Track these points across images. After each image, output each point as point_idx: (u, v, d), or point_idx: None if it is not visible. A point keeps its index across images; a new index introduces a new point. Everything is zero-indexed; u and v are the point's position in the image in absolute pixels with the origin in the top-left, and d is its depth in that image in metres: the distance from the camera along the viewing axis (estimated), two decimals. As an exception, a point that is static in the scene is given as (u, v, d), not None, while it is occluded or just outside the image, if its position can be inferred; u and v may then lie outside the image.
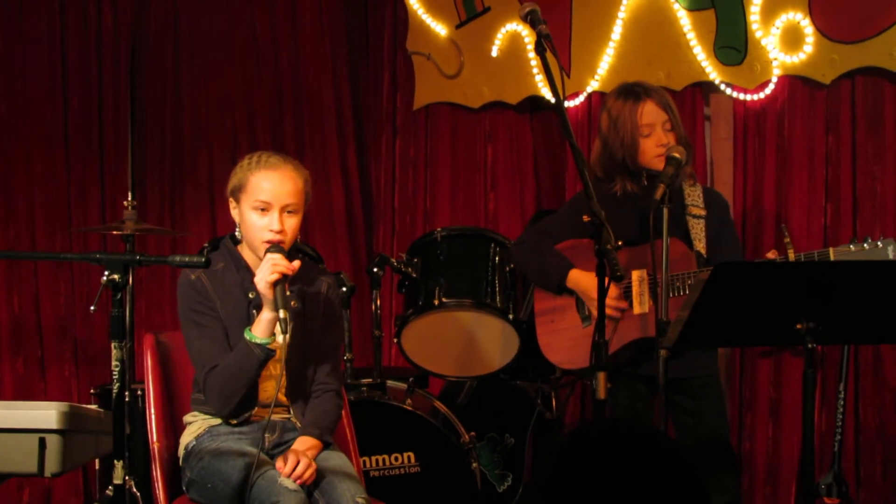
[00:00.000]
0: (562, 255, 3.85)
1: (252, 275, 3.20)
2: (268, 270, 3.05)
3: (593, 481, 1.83)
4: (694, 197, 3.79)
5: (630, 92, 3.79)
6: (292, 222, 3.21)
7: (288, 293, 3.12)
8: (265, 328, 3.11)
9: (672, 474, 1.84)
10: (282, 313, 2.98)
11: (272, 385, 3.24)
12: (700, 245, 3.73)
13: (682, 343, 2.98)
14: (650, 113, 3.75)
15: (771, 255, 3.60)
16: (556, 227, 3.96)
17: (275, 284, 3.04)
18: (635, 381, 3.79)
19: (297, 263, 3.14)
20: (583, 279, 3.76)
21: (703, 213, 3.77)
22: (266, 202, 3.18)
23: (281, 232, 3.17)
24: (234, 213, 3.28)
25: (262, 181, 3.19)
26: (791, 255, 3.49)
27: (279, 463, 3.05)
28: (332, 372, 3.37)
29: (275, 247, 3.13)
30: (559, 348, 3.90)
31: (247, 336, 3.12)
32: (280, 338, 3.07)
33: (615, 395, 3.77)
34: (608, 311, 3.52)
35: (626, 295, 3.74)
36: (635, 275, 3.72)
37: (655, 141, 3.74)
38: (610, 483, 1.82)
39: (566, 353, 3.87)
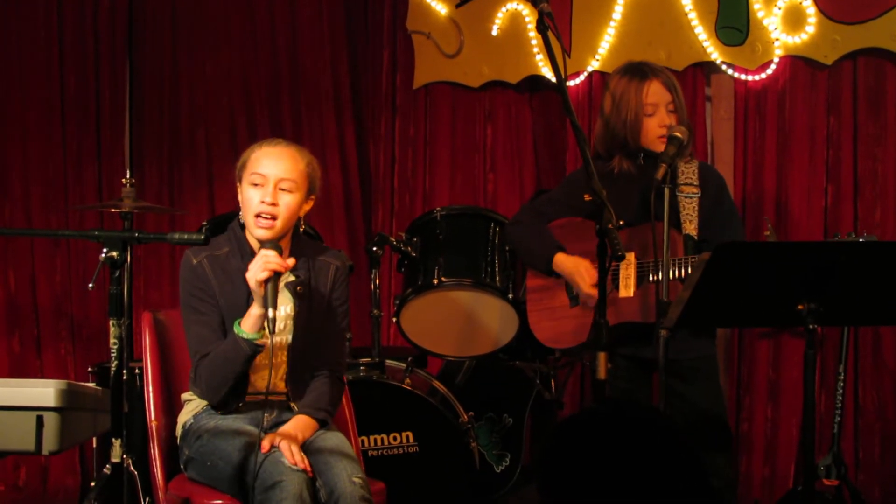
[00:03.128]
0: (551, 236, 3.82)
1: None
2: (259, 267, 2.98)
3: (588, 464, 1.81)
4: (689, 174, 3.73)
5: (637, 70, 3.74)
6: (287, 199, 3.16)
7: (292, 277, 3.12)
8: (254, 323, 3.05)
9: (670, 457, 1.82)
10: (270, 312, 2.94)
11: (266, 375, 3.20)
12: (691, 227, 3.66)
13: (682, 323, 2.96)
14: (655, 92, 3.70)
15: None
16: (550, 206, 3.92)
17: (266, 282, 2.98)
18: (627, 363, 3.77)
19: (291, 261, 3.08)
20: (567, 262, 3.74)
21: (696, 191, 3.72)
22: (262, 175, 3.15)
23: (273, 205, 3.13)
24: (240, 197, 3.25)
25: (261, 157, 3.19)
26: None
27: (265, 442, 3.04)
28: (336, 357, 3.35)
29: (270, 243, 3.08)
30: (545, 326, 3.89)
31: (235, 330, 3.07)
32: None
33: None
34: (588, 290, 3.62)
35: (614, 278, 3.72)
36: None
37: (658, 121, 3.69)
38: (605, 465, 1.80)
39: (551, 331, 3.87)
